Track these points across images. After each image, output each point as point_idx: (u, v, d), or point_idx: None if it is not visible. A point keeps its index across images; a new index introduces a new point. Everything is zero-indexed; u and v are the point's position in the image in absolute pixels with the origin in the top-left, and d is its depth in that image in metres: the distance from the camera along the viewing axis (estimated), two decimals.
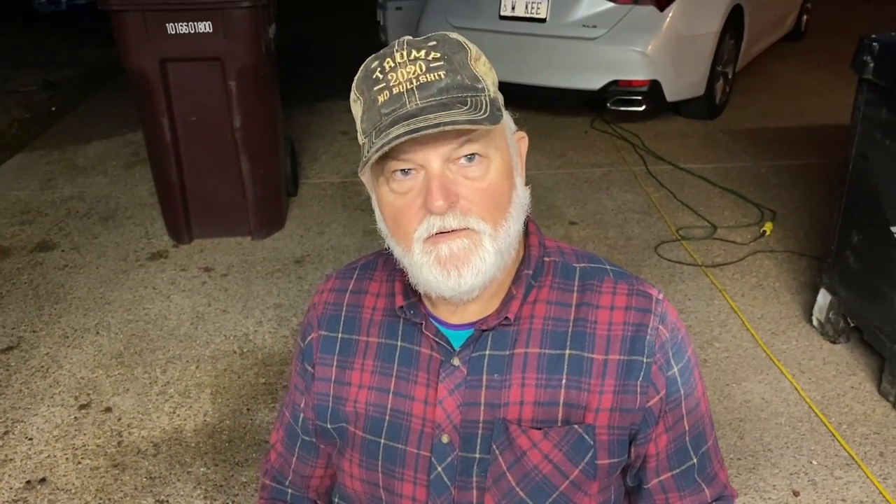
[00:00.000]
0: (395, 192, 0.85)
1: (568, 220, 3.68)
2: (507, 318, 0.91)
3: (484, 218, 0.84)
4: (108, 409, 2.52)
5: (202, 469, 2.27)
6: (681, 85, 4.73)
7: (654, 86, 4.59)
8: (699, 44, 4.72)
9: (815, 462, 2.26)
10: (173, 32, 3.13)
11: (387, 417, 0.95)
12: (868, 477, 2.19)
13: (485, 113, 0.82)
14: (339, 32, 8.00)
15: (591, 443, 0.91)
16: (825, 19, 7.47)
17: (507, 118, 0.90)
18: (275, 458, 1.12)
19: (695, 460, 0.98)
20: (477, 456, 0.92)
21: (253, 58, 3.26)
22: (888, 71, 2.33)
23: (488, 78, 0.87)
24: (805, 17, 7.02)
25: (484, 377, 0.92)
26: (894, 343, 2.42)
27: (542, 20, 4.56)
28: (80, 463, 2.30)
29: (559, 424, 0.91)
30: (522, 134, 0.94)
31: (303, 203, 4.01)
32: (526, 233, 0.96)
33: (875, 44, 2.37)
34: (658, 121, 5.06)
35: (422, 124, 0.79)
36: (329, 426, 1.00)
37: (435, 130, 0.78)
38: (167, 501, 2.16)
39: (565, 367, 0.91)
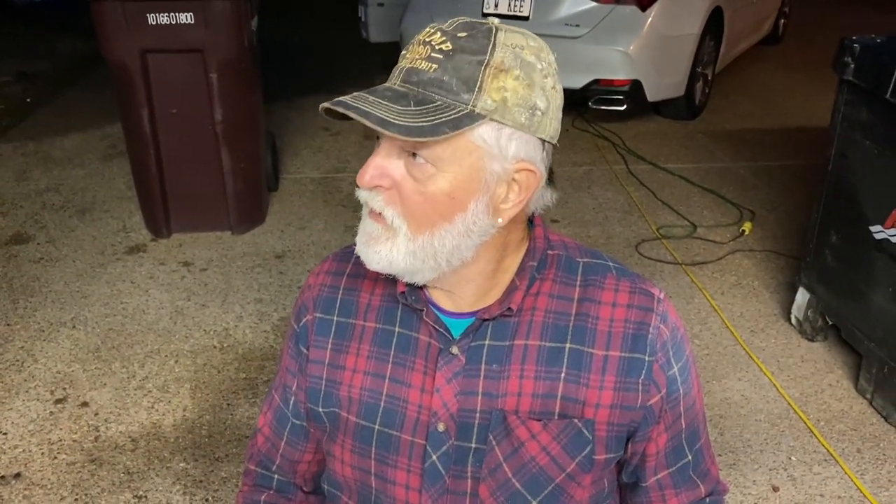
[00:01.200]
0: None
1: (549, 218, 3.69)
2: (509, 308, 0.90)
3: (405, 217, 0.83)
4: (85, 404, 2.48)
5: (181, 464, 2.25)
6: (661, 85, 4.76)
7: (636, 85, 4.62)
8: (680, 44, 4.75)
9: (793, 458, 2.28)
10: (154, 23, 3.09)
11: (382, 403, 0.94)
12: (846, 473, 2.22)
13: (433, 121, 0.78)
14: (320, 28, 7.96)
15: (590, 437, 0.91)
16: (802, 24, 7.56)
17: (499, 141, 0.81)
18: (262, 443, 1.10)
19: (690, 457, 0.99)
20: (473, 445, 0.92)
21: (234, 50, 3.22)
22: (868, 72, 2.36)
23: (497, 93, 0.79)
24: (783, 21, 7.11)
25: (482, 367, 0.91)
26: (872, 341, 2.45)
27: (525, 18, 4.57)
28: (55, 458, 2.26)
29: (556, 418, 0.90)
30: (532, 168, 0.84)
31: (283, 198, 3.98)
32: (531, 225, 0.95)
33: (856, 45, 2.40)
34: (638, 121, 5.09)
35: (359, 105, 0.79)
36: (321, 410, 0.99)
37: (355, 117, 0.78)
38: (145, 497, 2.13)
39: (565, 360, 0.91)
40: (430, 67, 0.80)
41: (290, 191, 4.06)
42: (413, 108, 0.78)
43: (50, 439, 2.33)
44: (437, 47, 0.80)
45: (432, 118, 0.78)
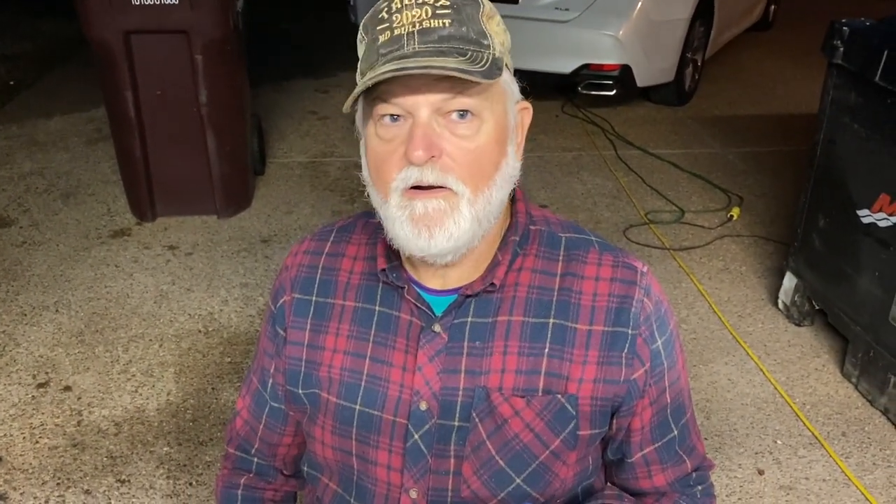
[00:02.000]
0: (381, 138, 0.82)
1: (538, 203, 3.67)
2: (492, 283, 0.89)
3: (464, 180, 0.81)
4: (68, 388, 2.46)
5: (165, 448, 2.23)
6: (651, 70, 4.74)
7: (626, 70, 4.59)
8: (670, 29, 4.73)
9: (779, 442, 2.28)
10: (137, 3, 3.04)
11: (362, 383, 0.93)
12: (831, 456, 2.22)
13: (483, 67, 0.78)
14: (307, 10, 7.88)
15: (574, 413, 0.89)
16: (793, 10, 7.55)
17: (510, 84, 0.86)
18: (241, 426, 1.09)
19: (675, 432, 0.98)
20: (456, 424, 0.90)
21: (220, 31, 3.18)
22: (858, 55, 2.35)
23: (497, 38, 0.83)
24: (773, 7, 7.09)
25: (465, 344, 0.90)
26: (858, 325, 2.46)
27: (515, 1, 4.54)
28: (37, 442, 2.24)
29: (540, 394, 0.89)
30: (527, 105, 0.90)
31: (270, 182, 3.94)
32: (513, 199, 0.93)
33: (845, 28, 2.39)
34: (628, 106, 5.07)
35: (412, 65, 0.76)
36: (300, 391, 0.97)
37: (421, 72, 0.75)
38: (128, 481, 2.11)
39: (548, 335, 0.89)
40: (444, 24, 0.79)
41: (277, 175, 4.03)
42: (461, 59, 0.79)
43: (32, 424, 2.31)
44: (436, 5, 0.80)
45: (479, 65, 0.79)
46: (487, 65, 0.79)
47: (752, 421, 2.36)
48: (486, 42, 0.81)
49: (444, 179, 0.81)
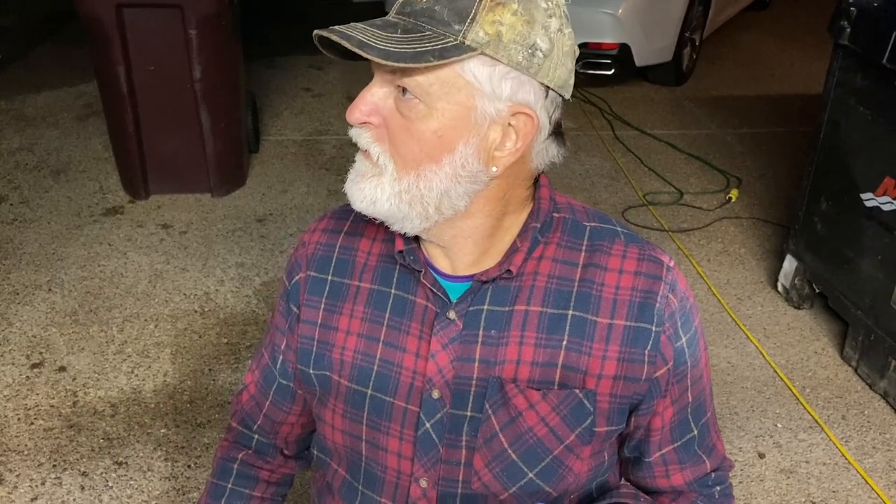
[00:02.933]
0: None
1: None
2: (508, 270, 0.86)
3: (392, 156, 0.80)
4: (63, 369, 2.42)
5: (162, 430, 2.20)
6: (650, 50, 4.69)
7: (624, 49, 4.54)
8: (669, 8, 4.68)
9: (779, 425, 2.28)
10: None
11: (375, 367, 0.90)
12: (831, 439, 2.23)
13: (419, 49, 0.74)
14: None
15: (591, 409, 0.87)
16: None
17: (486, 80, 0.76)
18: (247, 400, 1.07)
19: (695, 432, 0.95)
20: (468, 414, 0.88)
21: (214, 6, 3.11)
22: (865, 37, 2.32)
23: (493, 27, 0.75)
24: None
25: (480, 332, 0.87)
26: (858, 309, 2.45)
27: None
28: (32, 423, 2.21)
29: (556, 387, 0.86)
30: (530, 113, 0.79)
31: (265, 160, 3.89)
32: (536, 185, 0.90)
33: (853, 9, 2.36)
34: (625, 86, 5.03)
35: (344, 31, 0.76)
36: (311, 372, 0.94)
37: (337, 39, 0.75)
38: (126, 463, 2.09)
39: (567, 327, 0.87)
40: None
41: (272, 153, 3.98)
42: (399, 36, 0.75)
43: (26, 405, 2.28)
44: None
45: (416, 46, 0.74)
46: (431, 48, 0.74)
47: (752, 404, 2.36)
48: (458, 26, 0.74)
49: (369, 146, 0.81)
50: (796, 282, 2.79)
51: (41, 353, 2.49)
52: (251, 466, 1.08)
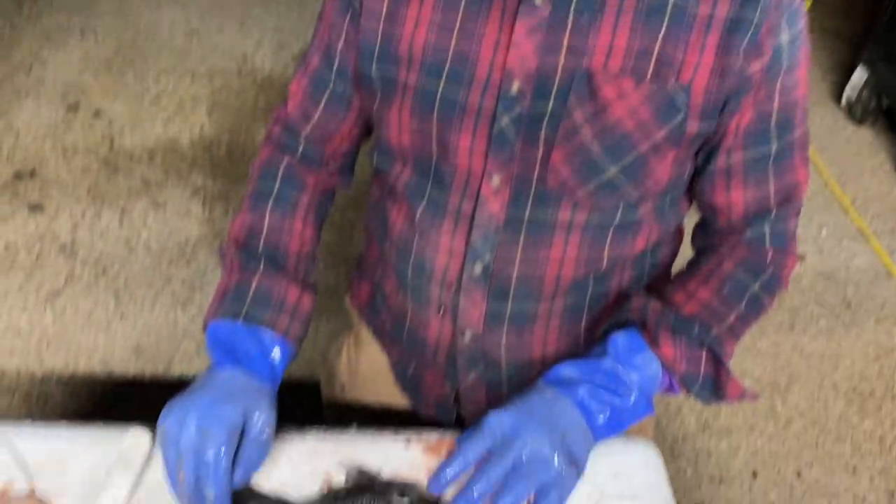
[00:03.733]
0: None
1: None
2: None
3: None
4: (98, 114, 2.38)
5: (199, 179, 2.19)
6: None
7: None
8: None
9: (824, 231, 2.23)
10: None
11: (448, 61, 0.82)
12: (874, 249, 2.18)
13: None
14: None
15: (686, 102, 0.79)
16: None
17: None
18: (293, 109, 0.97)
19: (774, 146, 0.87)
20: (550, 107, 0.80)
21: None
22: None
23: None
24: None
25: (570, 17, 0.78)
26: None
27: None
28: (70, 161, 2.20)
29: (649, 79, 0.78)
30: None
31: None
32: None
33: None
34: None
35: None
36: (375, 67, 0.86)
37: None
38: (164, 205, 2.09)
39: (667, 16, 0.77)
40: None
41: None
42: None
43: (64, 144, 2.25)
44: None
45: None
46: None
47: None
48: None
49: None
50: (863, 94, 2.63)
51: (77, 96, 2.43)
52: (298, 172, 1.01)
